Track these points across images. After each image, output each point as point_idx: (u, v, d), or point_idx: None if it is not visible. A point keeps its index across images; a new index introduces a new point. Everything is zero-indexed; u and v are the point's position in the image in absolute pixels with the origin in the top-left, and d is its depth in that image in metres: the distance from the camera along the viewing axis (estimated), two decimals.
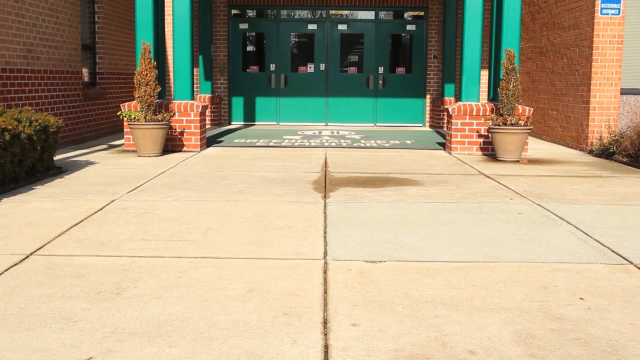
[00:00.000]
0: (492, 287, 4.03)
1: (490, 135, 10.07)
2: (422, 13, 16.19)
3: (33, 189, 7.03)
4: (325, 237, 5.16)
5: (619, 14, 10.62)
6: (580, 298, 3.86)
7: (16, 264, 4.39)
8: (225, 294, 3.85)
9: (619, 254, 4.79)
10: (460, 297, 3.85)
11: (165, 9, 12.74)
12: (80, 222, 5.58)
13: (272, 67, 16.24)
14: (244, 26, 16.34)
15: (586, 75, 10.95)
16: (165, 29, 12.42)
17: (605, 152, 10.22)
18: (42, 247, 4.81)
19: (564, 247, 4.96)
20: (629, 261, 4.62)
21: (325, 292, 3.90)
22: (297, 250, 4.80)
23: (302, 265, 4.43)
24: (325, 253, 4.73)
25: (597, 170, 8.93)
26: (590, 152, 10.70)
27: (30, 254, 4.62)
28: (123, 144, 11.02)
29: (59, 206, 6.18)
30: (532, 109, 10.89)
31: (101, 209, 6.10)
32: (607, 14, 10.62)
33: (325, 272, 4.30)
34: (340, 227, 5.51)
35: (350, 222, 5.67)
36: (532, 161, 9.77)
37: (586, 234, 5.36)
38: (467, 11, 10.55)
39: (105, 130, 13.00)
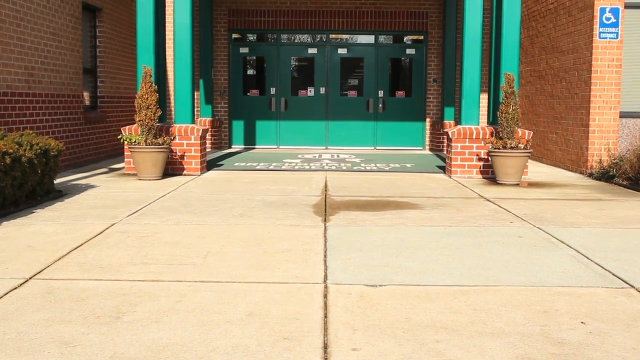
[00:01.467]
0: (492, 311, 4.01)
1: (490, 159, 10.09)
2: (421, 37, 16.30)
3: (33, 212, 7.03)
4: (325, 261, 5.15)
5: (617, 38, 10.69)
6: (582, 322, 3.84)
7: (15, 288, 4.37)
8: (225, 318, 3.83)
9: (620, 278, 4.77)
10: (461, 321, 3.84)
11: (167, 33, 12.82)
12: (80, 245, 5.57)
13: (273, 90, 16.32)
14: (244, 50, 16.45)
15: (585, 98, 11.00)
16: (166, 53, 12.50)
17: (605, 175, 10.23)
18: (42, 271, 4.80)
19: (564, 271, 4.95)
20: (630, 285, 4.61)
21: (326, 316, 3.88)
22: (297, 274, 4.78)
23: (302, 289, 4.42)
24: (326, 277, 4.72)
25: (597, 193, 8.93)
26: (590, 175, 10.71)
27: (30, 278, 4.61)
28: (123, 168, 11.04)
29: (59, 230, 6.18)
30: (532, 132, 10.92)
31: (101, 232, 6.09)
32: (606, 38, 10.69)
33: (325, 296, 4.28)
34: (341, 250, 5.50)
35: (351, 246, 5.66)
36: (532, 184, 9.78)
37: (587, 258, 5.34)
38: (466, 35, 10.62)
39: (105, 153, 13.03)
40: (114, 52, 13.38)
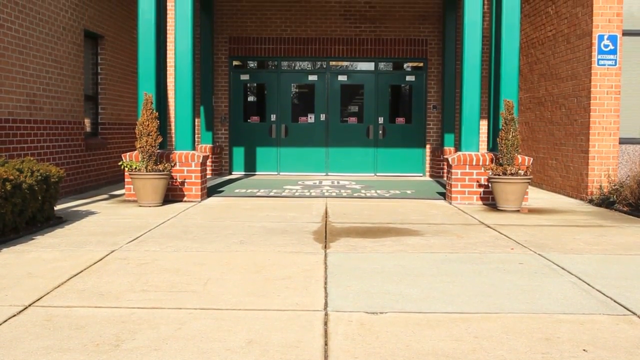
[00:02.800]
0: (494, 339, 3.99)
1: (490, 185, 10.09)
2: (421, 64, 16.40)
3: (33, 239, 7.02)
4: (325, 288, 5.14)
5: (615, 64, 10.76)
6: (584, 350, 3.82)
7: (15, 315, 4.35)
8: (225, 346, 3.81)
9: (621, 305, 4.75)
10: (462, 349, 3.81)
11: (168, 60, 12.90)
12: (80, 272, 5.56)
13: (273, 117, 16.38)
14: (245, 77, 16.54)
15: (585, 125, 11.04)
16: (167, 80, 12.58)
17: (606, 202, 10.23)
18: (41, 298, 4.78)
19: (566, 298, 4.93)
20: (632, 312, 4.58)
21: (326, 344, 3.86)
22: (298, 302, 4.76)
23: (303, 317, 4.39)
24: (326, 304, 4.70)
25: (598, 219, 8.92)
26: (591, 201, 10.71)
27: (29, 305, 4.59)
28: (124, 194, 11.04)
29: (58, 256, 6.16)
30: (532, 159, 10.94)
31: (101, 259, 6.08)
32: (604, 65, 10.76)
33: (325, 323, 4.26)
34: (341, 278, 5.48)
35: (351, 273, 5.64)
36: (532, 211, 9.77)
37: (588, 284, 5.33)
38: (466, 62, 10.69)
39: (106, 180, 13.04)
40: (115, 79, 13.46)
